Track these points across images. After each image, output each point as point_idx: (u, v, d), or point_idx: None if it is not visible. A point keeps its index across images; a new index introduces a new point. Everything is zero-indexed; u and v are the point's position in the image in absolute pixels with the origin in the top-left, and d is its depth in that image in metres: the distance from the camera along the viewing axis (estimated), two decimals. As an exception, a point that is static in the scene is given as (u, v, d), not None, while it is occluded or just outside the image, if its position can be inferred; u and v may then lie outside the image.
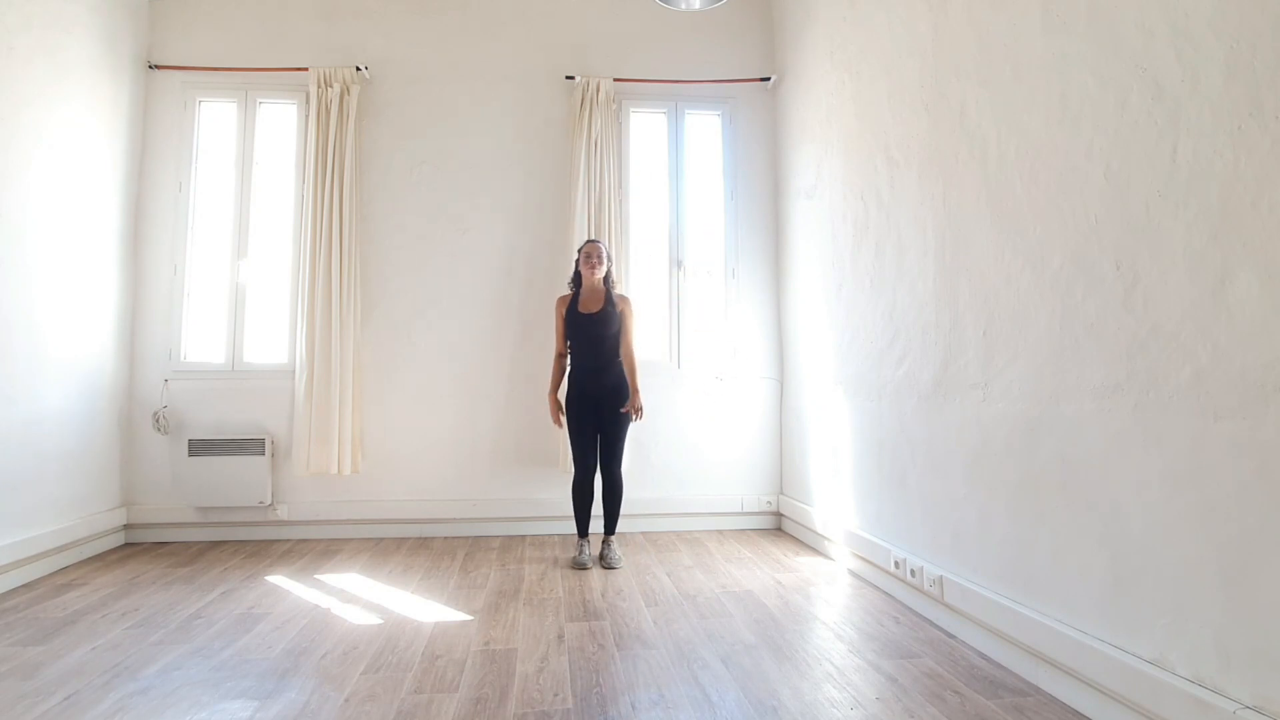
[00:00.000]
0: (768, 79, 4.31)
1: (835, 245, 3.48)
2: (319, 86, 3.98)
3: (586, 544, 3.46)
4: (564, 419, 3.50)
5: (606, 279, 3.49)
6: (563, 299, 3.55)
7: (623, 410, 3.43)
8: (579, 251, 3.54)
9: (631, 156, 4.29)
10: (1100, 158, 1.88)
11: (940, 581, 2.53)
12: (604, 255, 3.48)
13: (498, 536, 3.99)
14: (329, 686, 2.06)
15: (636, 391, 3.48)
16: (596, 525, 3.73)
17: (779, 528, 4.17)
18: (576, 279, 3.53)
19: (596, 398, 3.41)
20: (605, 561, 3.36)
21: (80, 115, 3.50)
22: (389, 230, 4.11)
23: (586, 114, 4.09)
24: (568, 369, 3.53)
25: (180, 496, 3.81)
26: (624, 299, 3.54)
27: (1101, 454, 1.87)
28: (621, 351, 3.50)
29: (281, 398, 3.96)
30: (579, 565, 3.35)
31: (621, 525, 4.03)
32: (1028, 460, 2.14)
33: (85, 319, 3.55)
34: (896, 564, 2.83)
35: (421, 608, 2.77)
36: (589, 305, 3.46)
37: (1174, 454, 1.66)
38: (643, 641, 2.41)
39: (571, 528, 4.02)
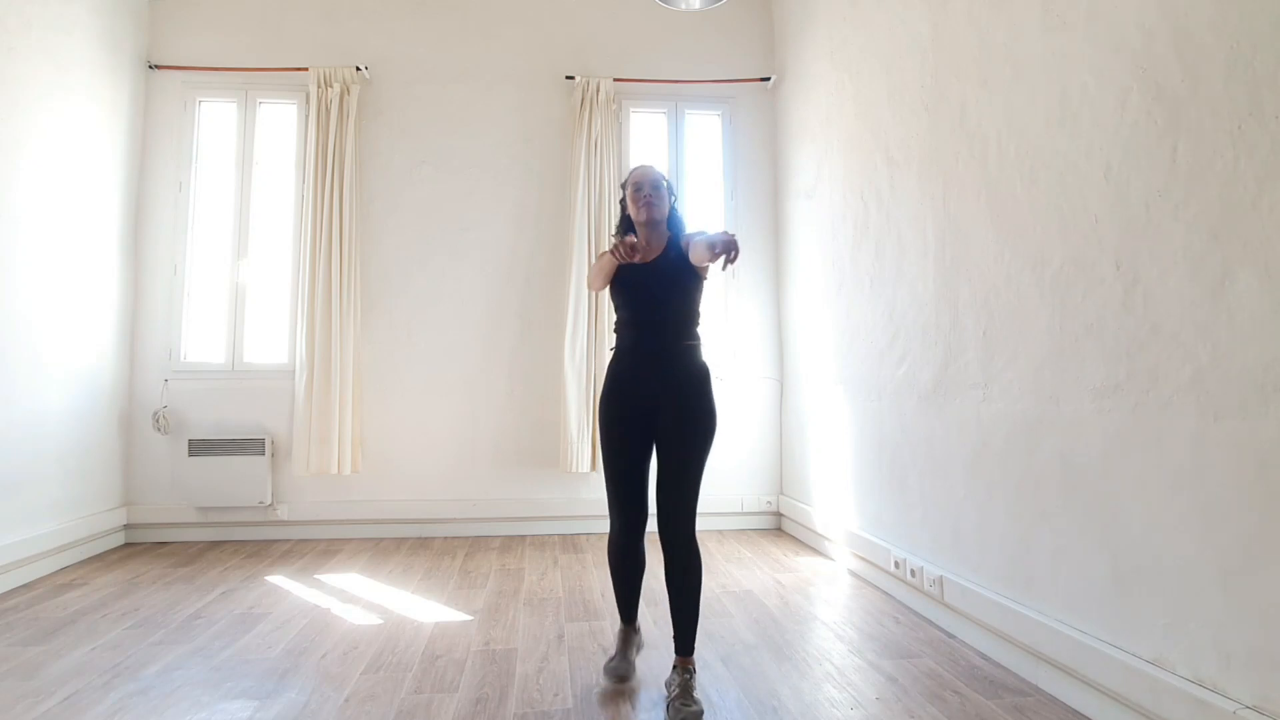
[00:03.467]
0: (768, 79, 4.31)
1: (835, 245, 3.48)
2: (319, 86, 3.98)
3: (636, 635, 2.19)
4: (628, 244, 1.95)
5: (672, 221, 2.19)
6: (604, 253, 2.12)
7: (717, 252, 1.81)
8: (623, 186, 2.22)
9: (631, 156, 4.29)
10: (1100, 158, 1.88)
11: (940, 581, 2.53)
12: (662, 186, 2.16)
13: (498, 536, 3.99)
14: (329, 686, 2.06)
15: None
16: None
17: (779, 528, 4.17)
18: (625, 225, 2.25)
19: (653, 400, 2.05)
20: (683, 709, 1.83)
21: (81, 115, 3.50)
22: (389, 230, 4.11)
23: (586, 114, 4.09)
24: (611, 352, 2.20)
25: (180, 496, 3.81)
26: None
27: (1101, 454, 1.87)
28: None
29: (281, 398, 3.96)
30: (618, 675, 2.08)
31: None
32: (1028, 460, 2.14)
33: (85, 319, 3.55)
34: (896, 564, 2.83)
35: (421, 608, 2.77)
36: (647, 253, 2.13)
37: (1174, 454, 1.66)
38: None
39: (573, 528, 4.01)
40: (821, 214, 3.66)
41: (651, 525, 2.03)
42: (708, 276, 2.13)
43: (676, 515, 1.99)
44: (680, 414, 2.02)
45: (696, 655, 2.12)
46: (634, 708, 1.93)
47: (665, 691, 1.97)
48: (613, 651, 2.19)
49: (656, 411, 2.05)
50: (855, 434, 3.26)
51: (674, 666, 1.98)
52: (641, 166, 2.22)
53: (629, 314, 2.13)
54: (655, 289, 2.08)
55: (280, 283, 4.07)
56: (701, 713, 1.86)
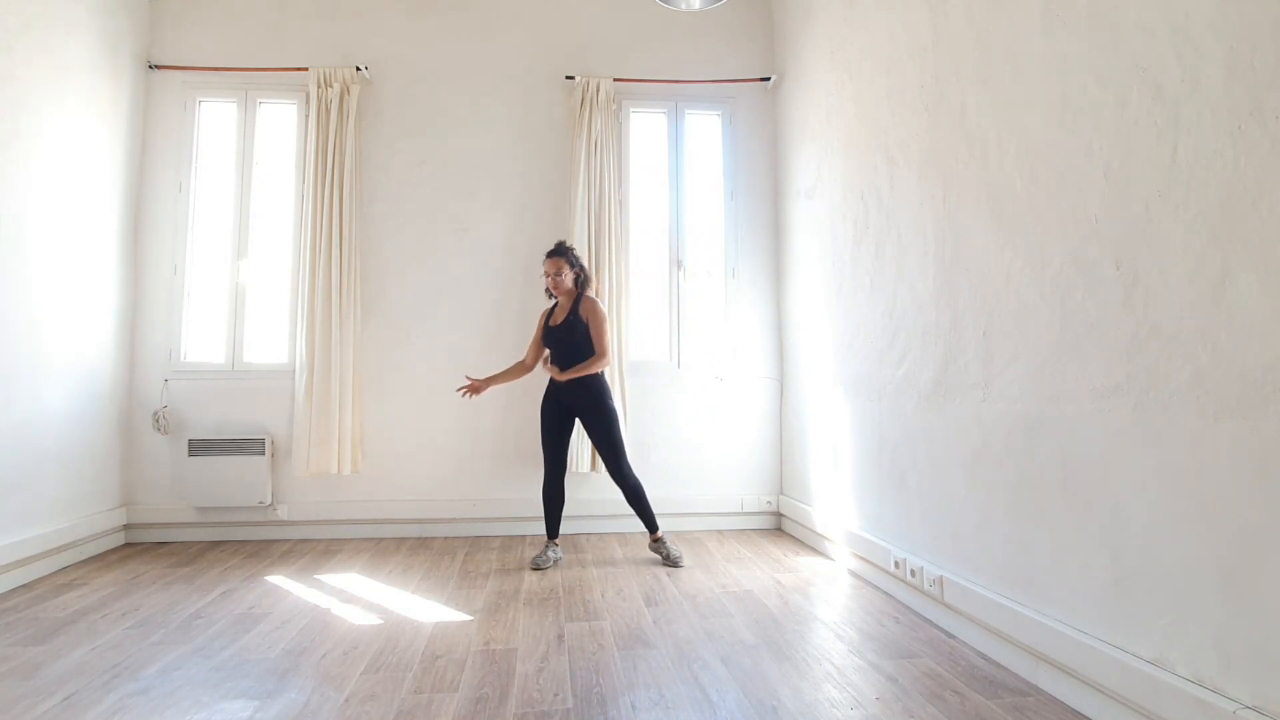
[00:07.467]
0: (768, 79, 4.31)
1: (835, 245, 3.48)
2: (319, 86, 3.98)
3: (555, 546, 3.42)
4: (474, 395, 3.52)
5: (579, 282, 3.44)
6: (545, 311, 3.57)
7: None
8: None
9: (631, 156, 4.29)
10: (1100, 158, 1.88)
11: (940, 581, 2.53)
12: (561, 267, 3.39)
13: (498, 536, 3.99)
14: (329, 686, 2.06)
15: (575, 371, 3.32)
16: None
17: (779, 528, 4.17)
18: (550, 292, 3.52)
19: (569, 406, 3.41)
20: (667, 561, 3.36)
21: (80, 115, 3.50)
22: (389, 230, 4.11)
23: (586, 114, 4.09)
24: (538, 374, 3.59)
25: (180, 496, 3.81)
26: (589, 302, 3.41)
27: (1101, 454, 1.87)
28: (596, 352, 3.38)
29: (281, 398, 3.95)
30: (538, 565, 3.29)
31: (622, 525, 4.03)
32: (1028, 460, 2.14)
33: (85, 319, 3.55)
34: (896, 564, 2.83)
35: (421, 608, 2.77)
36: (558, 315, 3.46)
37: (1174, 454, 1.66)
38: (643, 641, 2.41)
39: (573, 528, 4.01)
40: (821, 214, 3.66)
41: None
42: (589, 328, 3.39)
43: (610, 469, 3.39)
44: (588, 414, 3.39)
45: (695, 653, 2.31)
46: (634, 708, 1.93)
47: (664, 560, 3.39)
48: (539, 553, 3.37)
49: (573, 412, 3.44)
50: (855, 434, 3.27)
51: (654, 541, 3.43)
52: (546, 258, 3.45)
53: (553, 355, 3.44)
54: (560, 339, 3.39)
55: (280, 283, 4.07)
56: (681, 554, 3.41)
